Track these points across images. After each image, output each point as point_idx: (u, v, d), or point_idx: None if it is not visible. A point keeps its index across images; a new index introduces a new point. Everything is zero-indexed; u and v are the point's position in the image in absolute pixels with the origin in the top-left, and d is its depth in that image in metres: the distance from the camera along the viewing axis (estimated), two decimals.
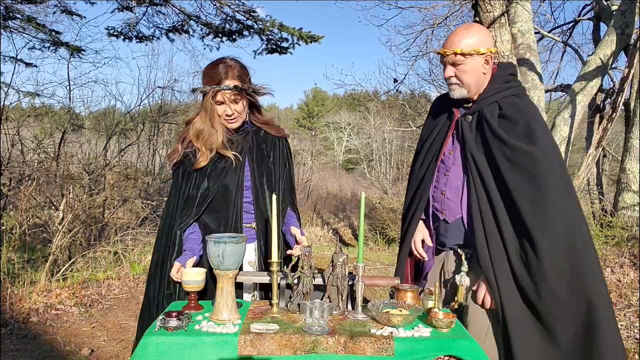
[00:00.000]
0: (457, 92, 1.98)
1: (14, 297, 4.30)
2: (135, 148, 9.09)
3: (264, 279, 1.93)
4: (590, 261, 1.85)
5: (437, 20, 8.41)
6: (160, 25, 7.47)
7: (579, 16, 9.00)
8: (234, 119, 2.07)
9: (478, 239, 1.90)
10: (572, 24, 9.15)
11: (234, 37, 7.53)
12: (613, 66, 7.29)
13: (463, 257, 1.99)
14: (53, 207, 6.01)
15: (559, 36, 9.17)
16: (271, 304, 1.81)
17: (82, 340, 3.87)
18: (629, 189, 6.22)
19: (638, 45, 5.50)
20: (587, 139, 7.98)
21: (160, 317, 1.65)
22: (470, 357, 1.55)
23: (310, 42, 7.23)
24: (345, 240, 10.00)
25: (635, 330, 4.02)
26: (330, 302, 1.79)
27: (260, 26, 7.20)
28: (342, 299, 1.81)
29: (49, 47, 7.10)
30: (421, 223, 2.13)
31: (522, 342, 1.80)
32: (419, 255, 2.12)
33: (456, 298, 1.99)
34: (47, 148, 6.96)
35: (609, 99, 7.42)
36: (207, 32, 7.48)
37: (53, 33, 6.89)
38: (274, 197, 1.85)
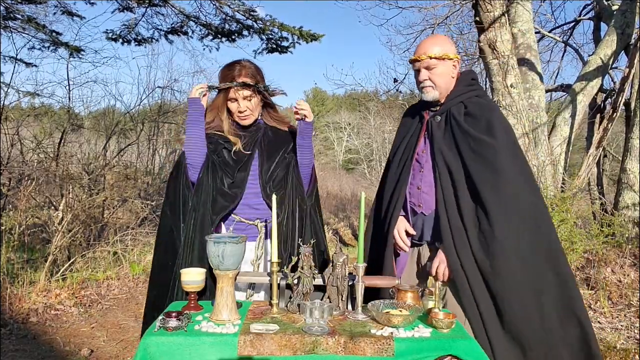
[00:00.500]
0: (431, 94, 2.16)
1: (13, 297, 4.29)
2: (134, 148, 9.07)
3: (264, 279, 1.92)
4: (550, 240, 2.05)
5: (438, 20, 8.38)
6: (160, 27, 7.46)
7: (579, 16, 9.00)
8: (246, 115, 2.14)
9: (443, 228, 2.05)
10: (572, 23, 9.15)
11: (233, 37, 7.51)
12: (614, 66, 7.29)
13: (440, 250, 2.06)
14: (52, 207, 6.01)
15: (559, 36, 9.17)
16: (271, 304, 1.80)
17: (82, 341, 3.86)
18: (629, 189, 6.20)
19: (638, 45, 5.50)
20: (588, 139, 7.97)
21: (160, 317, 1.64)
22: (470, 357, 1.54)
23: (311, 40, 7.22)
24: (345, 241, 10.00)
25: (635, 331, 4.02)
26: (330, 302, 1.78)
27: (260, 26, 7.19)
28: (342, 299, 1.80)
29: (48, 47, 7.10)
30: (401, 217, 2.21)
31: (481, 310, 1.95)
32: (402, 246, 2.18)
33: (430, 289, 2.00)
34: (46, 148, 6.95)
35: (609, 99, 7.41)
36: (207, 32, 7.47)
37: (53, 33, 6.89)
38: (274, 197, 1.85)
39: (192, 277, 1.83)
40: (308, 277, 1.80)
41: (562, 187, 5.78)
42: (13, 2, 6.37)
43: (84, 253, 5.44)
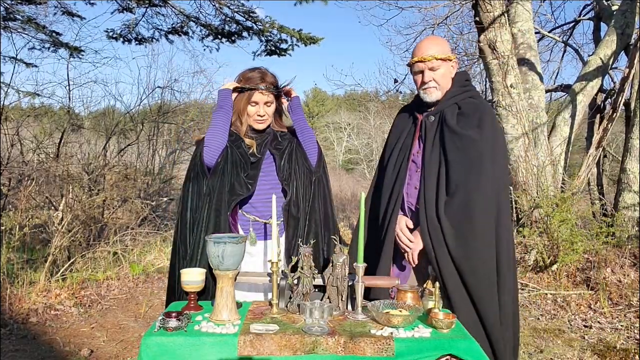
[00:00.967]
0: (434, 95, 2.18)
1: (13, 297, 4.29)
2: (134, 148, 9.07)
3: (264, 279, 1.92)
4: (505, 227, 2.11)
5: (437, 21, 8.39)
6: (160, 27, 7.47)
7: (579, 16, 9.00)
8: (263, 120, 2.23)
9: (421, 224, 2.09)
10: (572, 23, 9.15)
11: (233, 38, 7.51)
12: (613, 66, 7.29)
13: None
14: (52, 207, 6.00)
15: (559, 36, 9.17)
16: (271, 305, 1.80)
17: (82, 341, 3.86)
18: (629, 189, 6.21)
19: (638, 45, 5.50)
20: (588, 139, 7.97)
21: (160, 317, 1.64)
22: (470, 357, 1.54)
23: (310, 43, 7.22)
24: (346, 241, 10.01)
25: (635, 331, 4.02)
26: (330, 302, 1.78)
27: (260, 27, 7.19)
28: (342, 300, 1.80)
29: (48, 47, 7.10)
30: (400, 215, 2.21)
31: (457, 305, 1.99)
32: (407, 243, 2.16)
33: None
34: (46, 148, 6.95)
35: (609, 99, 7.41)
36: (207, 33, 7.47)
37: (53, 34, 6.88)
38: (274, 197, 1.86)
39: (192, 277, 1.83)
40: (308, 277, 1.80)
41: (562, 187, 5.79)
42: (13, 2, 6.37)
43: (83, 253, 5.44)
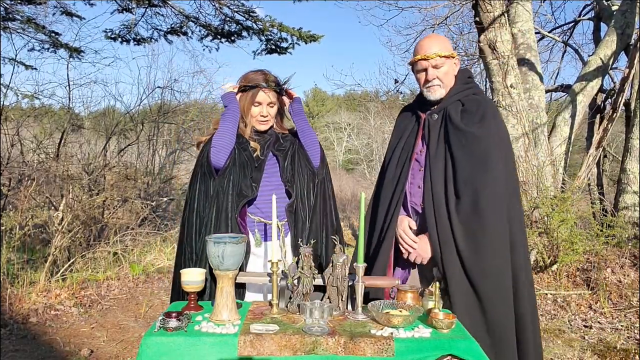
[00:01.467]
0: (438, 93, 2.16)
1: (13, 297, 4.29)
2: (135, 148, 9.07)
3: (264, 279, 1.92)
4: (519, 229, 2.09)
5: (437, 21, 8.40)
6: (159, 27, 7.46)
7: (579, 16, 9.00)
8: (266, 120, 2.24)
9: (429, 223, 2.06)
10: (572, 24, 9.15)
11: (232, 38, 7.51)
12: (613, 66, 7.29)
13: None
14: (53, 208, 6.00)
15: (559, 36, 9.17)
16: (271, 305, 1.80)
17: (82, 341, 3.86)
18: (629, 190, 6.21)
19: (638, 45, 5.50)
20: (588, 139, 7.97)
21: (160, 317, 1.64)
22: (470, 357, 1.54)
23: (310, 41, 7.21)
24: (345, 241, 10.02)
25: (636, 331, 4.02)
26: (330, 302, 1.78)
27: (260, 26, 7.19)
28: (342, 300, 1.80)
29: (48, 48, 7.10)
30: (402, 216, 2.19)
31: (460, 308, 1.94)
32: (410, 243, 2.12)
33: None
34: (46, 148, 6.95)
35: (609, 99, 7.41)
36: (206, 33, 7.46)
37: (53, 34, 6.88)
38: (274, 196, 1.86)
39: (192, 277, 1.83)
40: (308, 278, 1.80)
41: (562, 187, 5.79)
42: (13, 2, 6.37)
43: (84, 253, 5.44)
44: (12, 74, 8.57)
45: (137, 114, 9.21)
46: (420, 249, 2.08)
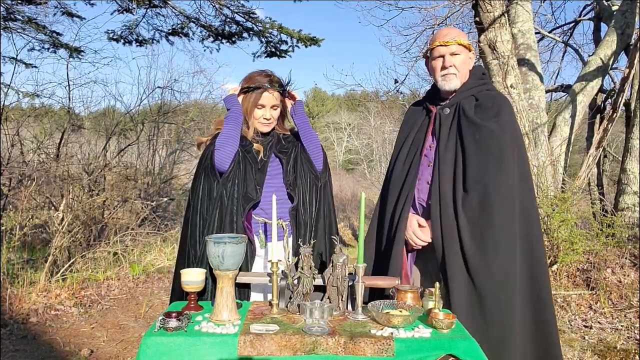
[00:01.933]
0: (453, 83, 2.12)
1: (13, 297, 4.29)
2: (135, 148, 9.07)
3: (264, 279, 1.92)
4: (537, 233, 2.05)
5: (437, 21, 8.40)
6: (160, 28, 7.47)
7: (579, 16, 9.00)
8: (269, 122, 2.24)
9: (433, 219, 2.02)
10: (572, 24, 9.16)
11: (233, 39, 7.52)
12: (614, 66, 7.29)
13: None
14: (53, 208, 6.01)
15: (559, 36, 9.17)
16: (271, 305, 1.80)
17: (82, 341, 3.86)
18: (629, 190, 6.21)
19: (638, 45, 5.50)
20: (588, 140, 7.97)
21: (160, 317, 1.64)
22: (470, 358, 1.54)
23: (310, 44, 7.22)
24: (346, 241, 10.01)
25: (636, 331, 4.02)
26: (330, 302, 1.78)
27: (260, 28, 7.19)
28: (342, 300, 1.80)
29: (48, 48, 7.11)
30: (411, 214, 2.13)
31: (460, 307, 1.91)
32: (420, 243, 2.09)
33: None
34: (47, 148, 6.95)
35: (609, 100, 7.41)
36: (207, 34, 7.47)
37: (53, 34, 6.89)
38: (274, 197, 1.86)
39: (192, 277, 1.83)
40: (308, 278, 1.80)
41: (562, 187, 5.78)
42: (13, 2, 6.37)
43: (84, 253, 5.44)
44: (13, 74, 8.58)
45: (137, 114, 9.21)
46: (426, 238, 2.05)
